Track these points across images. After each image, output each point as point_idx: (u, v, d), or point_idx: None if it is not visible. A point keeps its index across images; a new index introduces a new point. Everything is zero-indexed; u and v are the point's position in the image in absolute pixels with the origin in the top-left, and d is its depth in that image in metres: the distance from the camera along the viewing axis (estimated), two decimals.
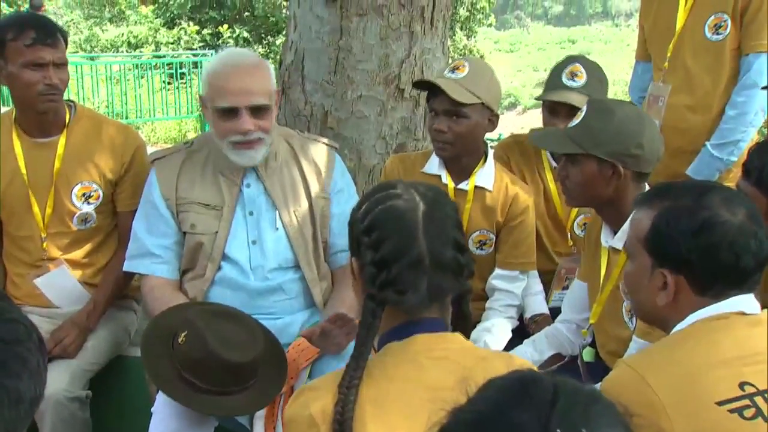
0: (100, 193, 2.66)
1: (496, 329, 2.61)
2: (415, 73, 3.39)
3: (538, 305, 2.76)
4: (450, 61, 3.41)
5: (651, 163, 2.19)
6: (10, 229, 2.68)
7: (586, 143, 2.17)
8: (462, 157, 2.64)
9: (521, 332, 2.69)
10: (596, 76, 2.78)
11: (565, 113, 2.69)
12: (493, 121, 2.59)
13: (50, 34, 2.49)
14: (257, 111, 2.34)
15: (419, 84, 2.75)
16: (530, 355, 2.46)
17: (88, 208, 2.65)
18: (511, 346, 2.58)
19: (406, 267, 1.47)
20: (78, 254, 2.70)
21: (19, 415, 0.99)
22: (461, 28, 16.83)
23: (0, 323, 1.01)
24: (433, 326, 1.52)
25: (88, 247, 2.71)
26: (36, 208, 2.61)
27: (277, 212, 2.44)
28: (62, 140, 2.62)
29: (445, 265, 1.49)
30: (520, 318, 2.76)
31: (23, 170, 2.59)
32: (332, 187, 2.53)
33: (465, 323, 1.61)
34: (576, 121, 2.23)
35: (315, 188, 2.49)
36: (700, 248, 1.51)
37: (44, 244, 2.64)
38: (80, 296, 2.68)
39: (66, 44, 2.56)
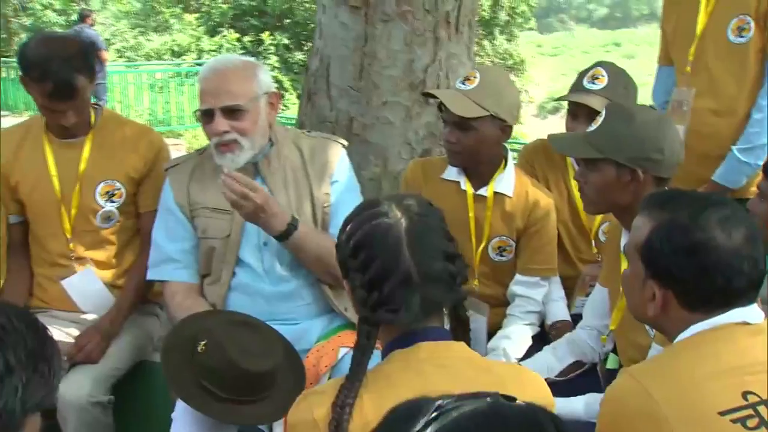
0: (123, 191, 2.70)
1: (515, 336, 2.59)
2: (441, 78, 3.38)
3: (559, 312, 2.72)
4: (475, 66, 3.40)
5: (671, 168, 2.16)
6: (36, 229, 2.73)
7: (605, 147, 2.14)
8: (478, 165, 2.63)
9: (542, 339, 2.66)
10: (621, 81, 2.74)
11: (584, 116, 2.66)
12: (506, 131, 2.57)
13: (69, 88, 2.49)
14: (231, 113, 2.36)
15: (429, 95, 2.74)
16: (550, 362, 2.43)
17: (111, 206, 2.70)
18: (532, 352, 2.56)
19: (396, 286, 1.47)
20: (102, 254, 2.74)
21: None
22: (501, 33, 16.77)
23: None
24: (437, 334, 1.53)
25: (111, 248, 2.75)
26: (62, 208, 2.66)
27: None
28: (88, 141, 2.68)
29: (435, 278, 1.49)
30: (542, 324, 2.74)
31: (52, 171, 2.65)
32: (332, 179, 2.53)
33: (462, 329, 1.60)
34: (595, 125, 2.20)
35: (318, 186, 2.49)
36: (690, 269, 1.50)
37: (70, 245, 2.70)
38: (105, 300, 2.72)
39: (93, 74, 2.58)
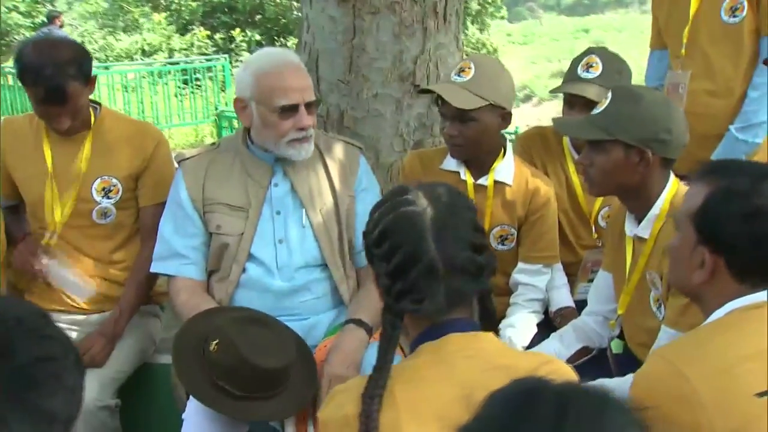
0: (120, 187, 2.69)
1: (520, 324, 2.59)
2: (430, 68, 3.36)
3: (563, 298, 2.73)
4: (464, 56, 3.39)
5: (678, 148, 2.16)
6: (34, 225, 2.73)
7: (614, 129, 2.13)
8: (479, 155, 2.62)
9: (547, 326, 2.66)
10: (614, 67, 2.73)
11: (580, 106, 2.66)
12: (506, 118, 2.56)
13: (61, 94, 2.48)
14: (309, 107, 2.39)
15: (425, 91, 2.73)
16: (557, 349, 2.43)
17: (107, 203, 2.69)
18: (537, 340, 2.56)
19: (420, 275, 1.46)
20: (99, 250, 2.72)
21: None
22: (473, 22, 16.75)
23: (35, 340, 1.00)
24: (465, 326, 1.52)
25: (109, 244, 2.74)
26: (57, 203, 2.65)
27: (303, 210, 2.44)
28: (87, 140, 2.67)
29: (460, 269, 1.48)
30: (546, 312, 2.74)
31: (49, 167, 2.64)
32: (357, 186, 2.54)
33: (490, 320, 1.59)
34: (601, 107, 2.19)
35: (340, 187, 2.49)
36: (746, 234, 1.47)
37: (51, 240, 2.67)
38: (84, 290, 2.71)
39: (87, 79, 2.56)
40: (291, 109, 2.35)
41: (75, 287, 2.71)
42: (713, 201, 1.52)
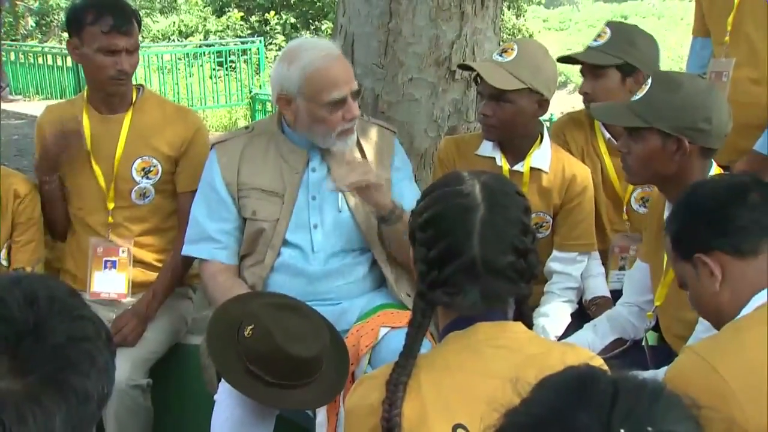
0: (159, 168, 2.72)
1: (554, 313, 2.57)
2: (466, 54, 3.32)
3: (598, 287, 2.68)
4: (500, 41, 3.35)
5: (719, 138, 2.12)
6: (73, 205, 2.75)
7: (650, 116, 2.09)
8: (514, 140, 2.59)
9: (581, 315, 2.63)
10: (624, 37, 2.67)
11: (591, 75, 2.69)
12: (542, 105, 2.53)
13: (127, 21, 2.58)
14: (353, 96, 2.38)
15: (465, 67, 2.70)
16: (591, 340, 2.40)
17: (146, 183, 2.72)
18: (571, 329, 2.53)
19: (457, 270, 1.44)
20: (136, 230, 2.75)
21: (87, 413, 0.98)
22: (509, 7, 16.57)
23: (69, 320, 1.01)
24: (494, 316, 1.50)
25: (146, 225, 2.76)
26: (101, 182, 2.69)
27: (340, 195, 2.43)
28: (128, 117, 2.71)
29: (499, 272, 1.45)
30: (580, 300, 2.70)
31: (88, 145, 2.68)
32: (392, 167, 2.54)
33: (524, 324, 1.56)
34: (640, 93, 2.16)
35: (378, 170, 2.47)
36: (724, 218, 1.55)
37: (109, 218, 2.71)
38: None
39: (139, 27, 2.66)
40: (340, 102, 2.34)
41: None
42: (674, 221, 1.64)
